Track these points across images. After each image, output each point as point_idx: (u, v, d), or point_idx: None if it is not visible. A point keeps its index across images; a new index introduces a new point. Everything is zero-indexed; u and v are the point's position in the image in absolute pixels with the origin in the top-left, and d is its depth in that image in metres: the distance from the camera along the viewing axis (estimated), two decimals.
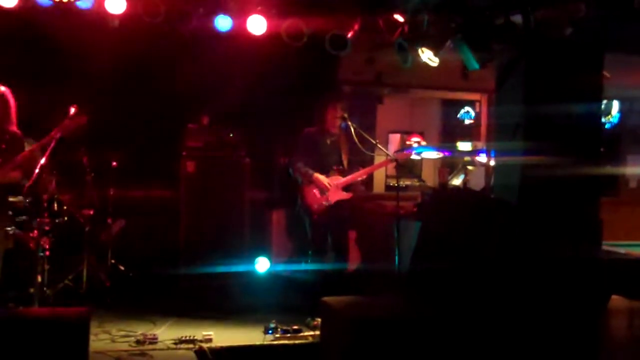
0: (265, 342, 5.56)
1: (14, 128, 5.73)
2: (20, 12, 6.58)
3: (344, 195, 7.02)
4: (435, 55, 7.08)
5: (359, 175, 7.10)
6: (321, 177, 6.93)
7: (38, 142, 5.63)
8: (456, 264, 5.27)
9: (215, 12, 7.12)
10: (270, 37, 7.27)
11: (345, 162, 7.11)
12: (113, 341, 5.48)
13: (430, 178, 8.97)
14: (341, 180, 7.02)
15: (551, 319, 5.25)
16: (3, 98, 5.66)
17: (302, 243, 7.10)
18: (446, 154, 8.09)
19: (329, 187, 6.93)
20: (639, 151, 10.00)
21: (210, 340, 5.46)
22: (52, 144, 5.61)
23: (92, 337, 4.76)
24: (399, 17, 7.09)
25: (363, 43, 7.62)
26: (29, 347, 4.37)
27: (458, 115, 10.39)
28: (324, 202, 6.91)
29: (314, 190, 6.96)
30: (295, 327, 5.74)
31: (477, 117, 9.82)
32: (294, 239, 7.28)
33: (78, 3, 6.59)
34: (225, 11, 7.12)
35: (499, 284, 5.13)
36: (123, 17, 6.84)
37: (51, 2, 6.58)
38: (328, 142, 7.09)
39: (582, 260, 5.46)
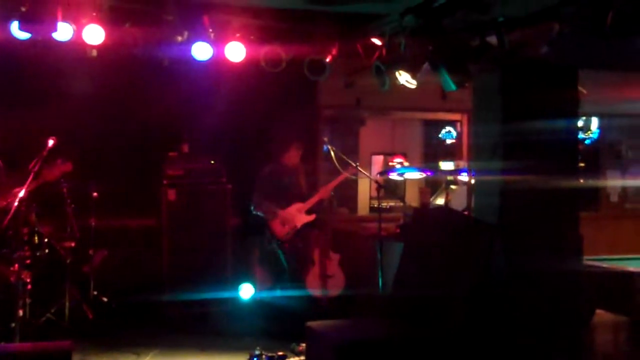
0: None
1: None
2: None
3: (308, 218, 7.27)
4: (413, 77, 7.12)
5: (319, 196, 7.22)
6: (283, 211, 7.15)
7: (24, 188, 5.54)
8: (439, 285, 5.26)
9: (193, 40, 7.14)
10: (249, 64, 7.31)
11: (304, 190, 7.23)
12: None
13: (413, 199, 8.99)
14: (302, 205, 7.13)
15: (536, 335, 5.25)
16: None
17: (278, 273, 7.11)
18: (429, 173, 8.11)
19: (292, 215, 7.08)
20: (619, 166, 10.09)
21: None
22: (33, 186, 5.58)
23: None
24: (376, 41, 7.14)
25: (342, 67, 7.68)
26: None
27: (440, 135, 10.45)
28: (290, 230, 7.02)
29: (279, 223, 7.05)
30: (281, 353, 5.72)
31: (459, 136, 9.88)
32: (270, 269, 7.29)
33: (56, 36, 6.60)
34: (204, 39, 7.15)
35: (481, 304, 5.13)
36: (101, 47, 6.86)
37: (28, 37, 6.60)
38: (286, 176, 7.22)
39: (565, 275, 5.48)
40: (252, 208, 7.28)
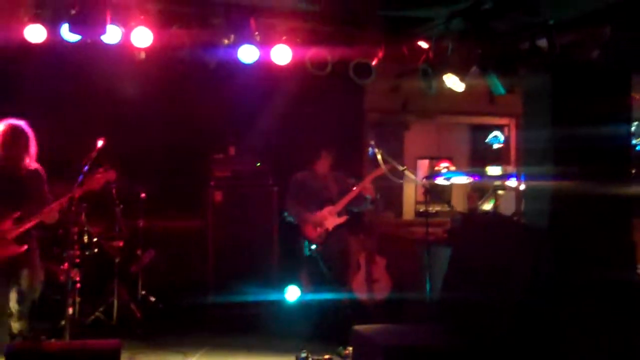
0: None
1: (31, 163, 5.76)
2: (48, 47, 6.69)
3: (339, 220, 7.14)
4: (461, 81, 7.06)
5: (350, 196, 7.11)
6: (313, 215, 7.09)
7: (68, 196, 5.61)
8: (488, 292, 5.19)
9: (240, 43, 7.18)
10: (295, 67, 7.31)
11: (334, 194, 7.16)
12: None
13: (460, 204, 8.90)
14: (333, 207, 7.09)
15: (589, 346, 5.13)
16: (20, 133, 5.68)
17: (318, 276, 7.07)
18: (476, 178, 8.02)
19: (323, 218, 7.04)
20: None
21: None
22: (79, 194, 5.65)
23: None
24: (423, 44, 7.10)
25: (388, 71, 7.64)
26: None
27: (487, 140, 10.32)
28: (322, 233, 6.99)
29: (311, 226, 7.03)
30: (327, 356, 5.69)
31: (506, 141, 9.75)
32: (311, 273, 7.25)
33: (105, 38, 6.69)
34: (250, 42, 7.18)
35: (532, 311, 5.04)
36: (149, 50, 6.93)
37: (78, 39, 6.70)
38: (316, 180, 7.19)
39: (618, 284, 5.35)
40: (285, 213, 7.27)
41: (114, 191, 6.73)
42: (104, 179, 5.74)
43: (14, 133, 5.61)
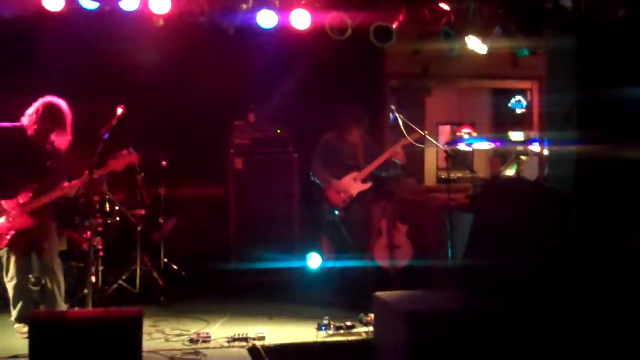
0: (319, 339, 5.49)
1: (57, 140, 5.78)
2: (66, 15, 6.66)
3: (364, 187, 7.03)
4: (484, 42, 6.95)
5: (376, 163, 7.02)
6: (338, 181, 6.99)
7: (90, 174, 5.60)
8: (511, 257, 5.14)
9: (259, 8, 7.10)
10: (314, 32, 7.23)
11: (361, 161, 7.05)
12: (167, 340, 5.47)
13: (482, 170, 8.81)
14: (358, 174, 6.99)
15: (611, 315, 5.06)
16: (55, 110, 5.70)
17: (340, 242, 7.02)
18: (498, 144, 7.92)
19: (348, 184, 6.96)
20: None
21: (263, 338, 5.42)
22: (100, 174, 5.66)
23: (146, 337, 4.77)
24: (444, 6, 6.98)
25: (409, 34, 7.52)
26: (83, 348, 4.39)
27: (509, 105, 10.17)
28: (346, 199, 6.91)
29: (335, 192, 6.95)
30: (349, 323, 5.66)
31: (529, 105, 9.61)
32: (333, 239, 7.21)
33: (123, 5, 6.64)
34: (269, 6, 7.10)
35: (556, 278, 4.99)
36: (168, 17, 6.88)
37: (96, 7, 6.66)
38: (345, 146, 7.07)
39: None
40: (310, 174, 7.19)
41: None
42: (127, 162, 5.77)
43: (51, 111, 5.68)
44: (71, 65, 7.37)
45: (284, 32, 7.21)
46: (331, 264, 7.04)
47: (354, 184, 6.97)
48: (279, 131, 7.66)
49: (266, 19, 7.07)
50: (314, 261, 7.38)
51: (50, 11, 6.58)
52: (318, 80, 7.91)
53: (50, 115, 5.67)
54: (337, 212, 6.95)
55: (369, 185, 7.03)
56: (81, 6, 6.66)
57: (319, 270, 7.33)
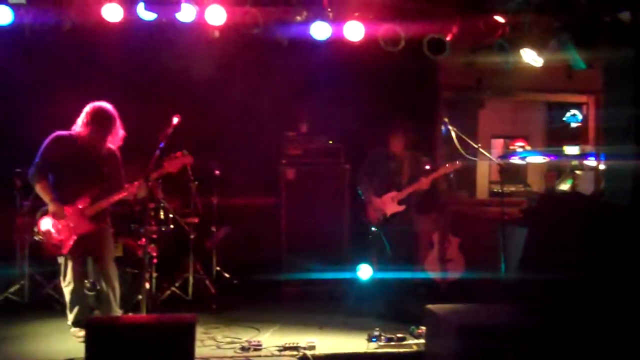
0: (369, 350, 5.48)
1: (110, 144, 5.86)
2: (125, 26, 6.80)
3: (399, 208, 6.85)
4: (539, 55, 6.87)
5: (415, 186, 6.84)
6: (376, 198, 6.88)
7: (146, 181, 5.68)
8: (566, 272, 5.05)
9: (312, 20, 7.15)
10: (367, 43, 7.24)
11: (404, 179, 6.91)
12: (218, 347, 5.52)
13: (536, 183, 8.69)
14: (397, 194, 6.86)
15: None
16: (105, 114, 5.77)
17: (382, 254, 6.97)
18: (552, 158, 7.81)
19: (384, 203, 6.85)
20: None
21: (313, 347, 5.43)
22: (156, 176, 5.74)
23: (198, 343, 4.81)
24: (499, 18, 6.92)
25: (462, 46, 7.48)
26: (136, 352, 4.47)
27: (564, 118, 10.03)
28: (380, 217, 6.82)
29: (372, 208, 6.89)
30: (400, 335, 5.62)
31: (585, 119, 9.45)
32: (376, 251, 7.15)
33: (179, 17, 6.77)
34: (323, 18, 7.14)
35: (611, 293, 4.88)
36: (223, 29, 6.98)
37: (154, 18, 6.80)
38: (391, 161, 6.96)
39: None
40: (357, 188, 7.17)
41: (189, 168, 6.78)
42: (181, 163, 5.82)
43: (99, 114, 5.72)
44: (128, 74, 7.55)
45: (337, 44, 7.25)
46: (382, 275, 6.98)
47: (390, 204, 6.84)
48: (330, 142, 7.69)
49: (319, 31, 7.12)
50: (364, 272, 7.34)
51: (109, 21, 6.75)
52: (370, 91, 7.92)
53: (101, 120, 5.71)
54: (373, 229, 6.90)
55: (402, 207, 6.85)
56: (139, 17, 6.82)
57: (369, 281, 7.30)
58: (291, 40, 7.25)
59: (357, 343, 5.62)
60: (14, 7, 6.69)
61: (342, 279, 7.29)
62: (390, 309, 6.63)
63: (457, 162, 6.65)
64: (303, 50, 7.39)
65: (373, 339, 5.58)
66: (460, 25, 7.14)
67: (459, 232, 7.51)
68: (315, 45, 7.27)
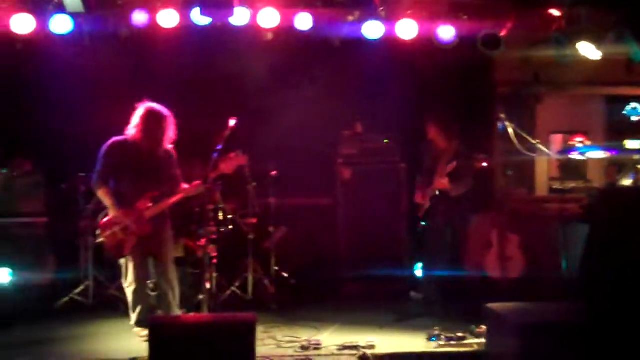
0: (429, 350, 5.43)
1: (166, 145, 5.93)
2: (180, 30, 6.93)
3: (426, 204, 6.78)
4: (597, 48, 6.74)
5: (436, 187, 6.68)
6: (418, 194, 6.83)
7: (205, 177, 5.78)
8: (629, 269, 4.94)
9: (365, 19, 7.16)
10: (421, 41, 7.22)
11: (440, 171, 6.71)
12: (279, 346, 5.55)
13: (596, 179, 8.50)
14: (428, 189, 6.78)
15: None
16: (158, 116, 5.85)
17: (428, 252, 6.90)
18: (613, 153, 7.62)
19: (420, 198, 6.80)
20: None
21: (373, 346, 5.41)
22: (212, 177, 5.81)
23: (257, 342, 4.84)
24: (555, 12, 6.82)
25: (518, 41, 7.40)
26: (198, 351, 4.52)
27: (624, 112, 9.77)
28: (423, 210, 6.75)
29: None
30: (460, 334, 5.57)
31: None
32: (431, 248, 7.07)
33: (233, 20, 6.86)
34: (375, 17, 7.14)
35: None
36: (276, 30, 7.05)
37: (209, 23, 6.90)
38: (432, 155, 6.83)
39: None
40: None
41: (247, 170, 6.84)
42: (236, 163, 5.87)
43: (153, 116, 5.80)
44: (184, 78, 7.66)
45: (390, 42, 7.24)
46: (439, 274, 6.91)
47: (425, 199, 6.79)
48: (385, 141, 7.66)
49: (372, 30, 7.13)
50: (421, 270, 7.31)
51: (165, 27, 6.88)
52: (425, 89, 7.89)
53: (153, 121, 5.79)
54: (423, 223, 6.83)
55: (427, 203, 6.74)
56: (194, 22, 6.94)
57: (427, 279, 7.23)
58: (343, 40, 7.28)
59: (417, 342, 5.58)
60: (73, 16, 6.88)
61: (400, 278, 7.26)
62: (449, 307, 6.56)
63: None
64: (356, 50, 7.40)
65: (433, 338, 5.54)
66: (515, 20, 7.06)
67: (519, 231, 7.40)
68: (368, 44, 7.28)
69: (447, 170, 6.55)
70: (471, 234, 7.31)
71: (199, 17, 6.92)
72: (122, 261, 5.86)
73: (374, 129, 7.77)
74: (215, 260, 6.28)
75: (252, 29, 7.10)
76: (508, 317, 4.84)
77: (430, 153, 6.87)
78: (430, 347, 5.47)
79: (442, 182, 6.61)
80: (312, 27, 7.08)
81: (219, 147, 5.76)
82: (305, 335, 5.79)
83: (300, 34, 7.18)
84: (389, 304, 6.89)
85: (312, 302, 7.01)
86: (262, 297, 6.91)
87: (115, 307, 6.56)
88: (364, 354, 5.30)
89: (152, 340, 4.57)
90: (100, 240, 5.79)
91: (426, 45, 7.27)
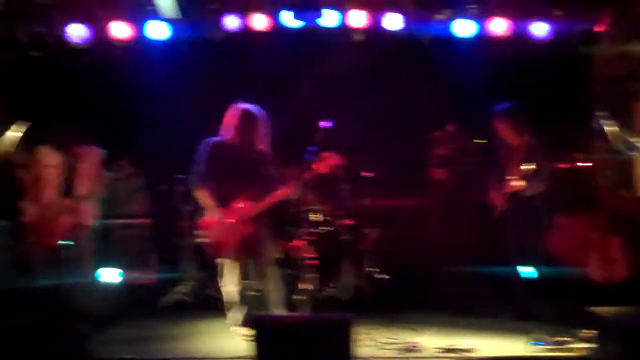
0: (531, 354, 5.32)
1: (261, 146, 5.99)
2: (271, 33, 7.02)
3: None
4: None
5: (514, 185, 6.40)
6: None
7: (300, 178, 5.84)
8: None
9: (455, 17, 7.10)
10: (514, 37, 7.10)
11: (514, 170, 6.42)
12: (378, 348, 5.54)
13: None
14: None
15: None
16: (253, 117, 5.92)
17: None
18: None
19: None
20: None
21: (473, 349, 5.35)
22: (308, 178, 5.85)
23: (357, 344, 4.85)
24: None
25: (616, 36, 7.17)
26: (297, 351, 4.59)
27: None
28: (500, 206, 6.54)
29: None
30: (564, 338, 5.42)
31: None
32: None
33: (323, 22, 6.92)
34: (466, 15, 7.07)
35: None
36: (366, 31, 7.06)
37: (300, 25, 6.99)
38: (504, 152, 6.60)
39: None
40: None
41: (341, 171, 6.83)
42: (330, 164, 5.87)
43: (247, 117, 5.89)
44: (277, 80, 7.75)
45: (481, 39, 7.14)
46: (543, 275, 6.70)
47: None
48: (479, 140, 7.54)
49: (463, 28, 7.06)
50: (523, 272, 7.12)
51: (257, 30, 7.00)
52: (519, 87, 7.69)
53: (250, 122, 5.87)
54: None
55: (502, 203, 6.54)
56: (284, 25, 7.03)
57: (531, 282, 7.04)
58: (433, 39, 7.23)
59: (519, 346, 5.48)
60: (169, 21, 7.07)
61: (501, 280, 7.10)
62: (549, 309, 6.38)
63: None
64: (447, 48, 7.33)
65: (535, 342, 5.43)
66: (612, 14, 6.86)
67: (621, 232, 7.13)
68: (458, 42, 7.20)
69: (524, 170, 6.25)
70: (564, 235, 7.11)
71: (289, 20, 7.00)
72: (221, 261, 5.95)
73: (467, 129, 7.65)
74: (312, 262, 6.32)
75: (341, 31, 7.14)
76: (616, 321, 4.70)
77: (502, 151, 6.67)
78: (533, 351, 5.35)
79: (518, 183, 6.31)
80: (402, 26, 7.07)
81: (313, 148, 5.79)
82: (404, 337, 5.77)
83: (389, 34, 7.17)
84: (489, 306, 6.76)
85: (409, 304, 6.94)
86: (359, 298, 6.89)
87: (214, 307, 6.68)
88: (464, 357, 5.24)
89: (258, 339, 4.64)
90: (199, 240, 5.91)
91: (519, 42, 7.14)
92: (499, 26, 7.11)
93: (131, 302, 7.02)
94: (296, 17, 7.06)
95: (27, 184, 6.35)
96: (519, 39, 7.20)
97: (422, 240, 7.56)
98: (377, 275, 7.22)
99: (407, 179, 7.71)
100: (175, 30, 7.11)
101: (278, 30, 7.16)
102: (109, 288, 6.98)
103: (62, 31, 6.95)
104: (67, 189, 6.18)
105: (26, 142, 6.80)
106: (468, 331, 5.96)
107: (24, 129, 6.74)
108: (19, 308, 6.22)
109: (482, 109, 7.59)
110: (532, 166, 6.20)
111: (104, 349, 5.45)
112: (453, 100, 7.81)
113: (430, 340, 5.66)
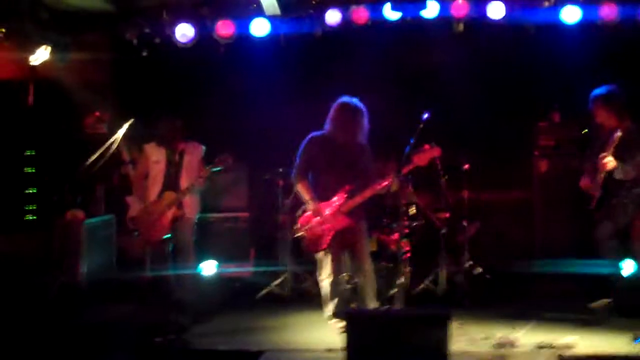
0: (635, 352, 5.10)
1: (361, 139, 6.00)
2: (370, 26, 7.02)
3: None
4: None
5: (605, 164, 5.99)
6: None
7: (399, 170, 5.82)
8: None
9: (561, 4, 6.88)
10: (623, 24, 6.79)
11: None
12: (473, 343, 5.47)
13: None
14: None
15: None
16: (354, 109, 5.94)
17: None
18: None
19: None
20: None
21: (573, 346, 5.19)
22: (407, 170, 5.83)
23: (451, 338, 4.82)
24: None
25: None
26: (392, 344, 4.61)
27: None
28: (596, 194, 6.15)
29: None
30: None
31: None
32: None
33: (424, 14, 6.87)
34: (574, 1, 6.84)
35: None
36: (467, 21, 6.94)
37: (399, 17, 6.96)
38: (602, 137, 6.18)
39: None
40: None
41: (439, 163, 6.78)
42: (430, 156, 5.83)
43: (348, 110, 5.94)
44: (377, 73, 7.75)
45: (589, 26, 6.88)
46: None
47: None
48: (584, 131, 7.27)
49: (570, 15, 6.82)
50: (625, 268, 6.84)
51: (357, 23, 7.03)
52: (628, 74, 7.36)
53: (349, 115, 5.90)
54: None
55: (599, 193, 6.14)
56: (384, 17, 7.02)
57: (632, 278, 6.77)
58: (538, 27, 7.02)
59: (621, 343, 5.28)
60: (270, 18, 7.22)
61: (600, 277, 6.84)
62: None
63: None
64: (553, 35, 7.10)
65: (639, 340, 5.21)
66: None
67: None
68: (565, 29, 6.97)
69: (613, 145, 5.91)
70: None
71: (389, 13, 6.99)
72: (319, 255, 6.02)
73: (572, 119, 7.41)
74: (408, 255, 6.30)
75: (442, 21, 7.05)
76: None
77: (598, 137, 6.32)
78: (636, 349, 5.14)
79: (609, 160, 5.92)
80: (504, 15, 6.91)
81: (413, 140, 5.77)
82: (499, 332, 5.63)
83: (492, 23, 7.02)
84: (588, 302, 6.43)
85: (507, 299, 6.83)
86: (455, 293, 6.83)
87: (310, 300, 6.81)
88: (564, 354, 5.09)
89: (349, 331, 4.69)
90: (298, 234, 6.02)
91: (629, 28, 6.82)
92: (608, 12, 6.82)
93: (228, 294, 7.24)
94: (396, 8, 7.03)
95: (133, 179, 6.70)
96: (630, 24, 6.89)
97: (523, 234, 7.38)
98: (474, 269, 7.14)
99: (508, 170, 7.55)
100: (275, 27, 7.24)
101: (378, 23, 7.16)
102: (208, 280, 7.21)
103: (170, 31, 7.23)
104: (171, 184, 6.43)
105: (132, 138, 7.16)
106: (566, 327, 5.78)
107: (131, 126, 7.09)
108: (122, 299, 6.60)
109: (589, 97, 7.36)
110: (617, 137, 5.93)
111: (202, 340, 5.66)
112: (558, 89, 7.57)
113: (528, 336, 5.52)
